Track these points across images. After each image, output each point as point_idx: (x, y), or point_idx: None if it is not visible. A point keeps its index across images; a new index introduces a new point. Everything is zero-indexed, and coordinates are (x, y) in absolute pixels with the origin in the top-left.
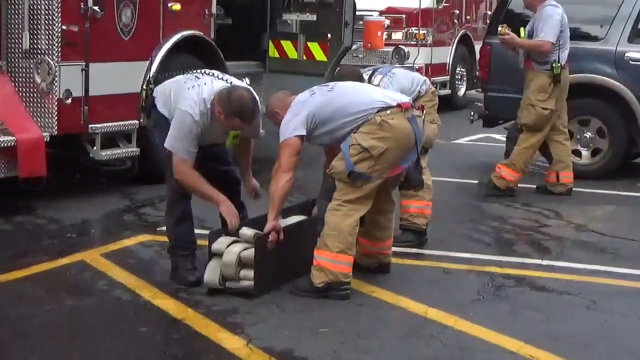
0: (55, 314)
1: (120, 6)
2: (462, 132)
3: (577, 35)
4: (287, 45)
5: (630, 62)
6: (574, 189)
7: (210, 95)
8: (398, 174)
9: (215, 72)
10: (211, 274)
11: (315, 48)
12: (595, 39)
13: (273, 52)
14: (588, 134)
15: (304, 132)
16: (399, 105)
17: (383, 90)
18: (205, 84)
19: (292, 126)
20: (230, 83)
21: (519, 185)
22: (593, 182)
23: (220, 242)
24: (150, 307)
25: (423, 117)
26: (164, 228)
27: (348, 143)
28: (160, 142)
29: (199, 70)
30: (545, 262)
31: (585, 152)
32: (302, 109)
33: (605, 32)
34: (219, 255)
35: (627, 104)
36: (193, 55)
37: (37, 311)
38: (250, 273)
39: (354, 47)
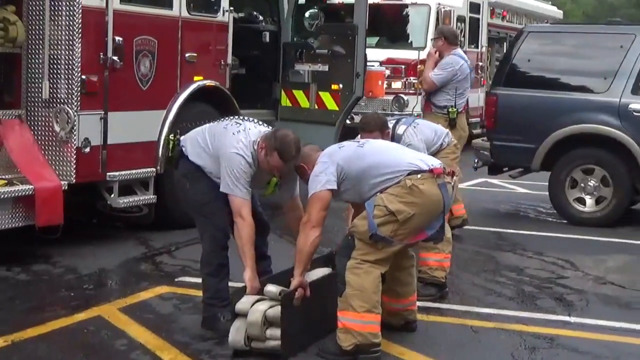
0: None
1: (139, 56)
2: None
3: (580, 87)
4: (299, 94)
5: (634, 113)
6: (584, 237)
7: (257, 138)
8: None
9: (254, 119)
10: (236, 334)
11: (326, 97)
12: (598, 91)
13: (285, 100)
14: (592, 182)
15: (334, 186)
16: (430, 170)
17: (415, 152)
18: (249, 128)
19: (324, 179)
20: (271, 128)
21: (528, 232)
22: (598, 230)
23: (244, 302)
24: None
25: (453, 183)
26: (183, 279)
27: (373, 203)
28: (192, 191)
29: (235, 117)
30: (572, 319)
31: (589, 200)
32: (330, 161)
33: (608, 85)
34: (244, 315)
35: (631, 153)
36: (209, 104)
37: None
38: (277, 332)
39: None
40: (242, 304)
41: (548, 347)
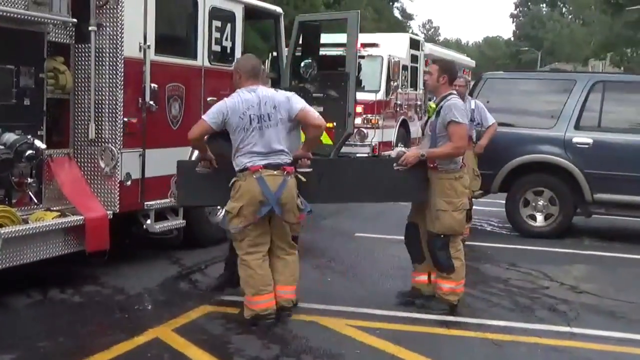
0: None
1: (171, 101)
2: None
3: (531, 124)
4: None
5: (577, 145)
6: (541, 248)
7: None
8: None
9: None
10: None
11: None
12: (546, 127)
13: None
14: (541, 202)
15: (213, 126)
16: (248, 169)
17: (257, 154)
18: None
19: (213, 117)
20: None
21: (494, 245)
22: (547, 241)
23: None
24: None
25: (284, 176)
26: (221, 297)
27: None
28: None
29: None
30: (575, 330)
31: (539, 217)
32: (226, 113)
33: (555, 122)
34: None
35: (574, 178)
36: (225, 139)
37: None
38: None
39: None
40: None
41: None
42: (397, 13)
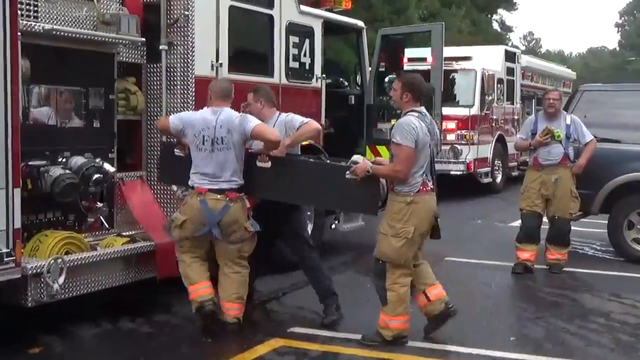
0: None
1: None
2: (503, 216)
3: (635, 139)
4: (382, 149)
5: None
6: None
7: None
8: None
9: None
10: None
11: None
12: None
13: (370, 155)
14: None
15: (172, 130)
16: (195, 188)
17: (206, 176)
18: None
19: (176, 120)
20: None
21: (595, 272)
22: None
23: None
24: None
25: (226, 202)
26: (294, 329)
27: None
28: None
29: None
30: None
31: None
32: (187, 121)
33: None
34: None
35: None
36: None
37: None
38: None
39: None
40: None
41: None
42: (496, 25)
